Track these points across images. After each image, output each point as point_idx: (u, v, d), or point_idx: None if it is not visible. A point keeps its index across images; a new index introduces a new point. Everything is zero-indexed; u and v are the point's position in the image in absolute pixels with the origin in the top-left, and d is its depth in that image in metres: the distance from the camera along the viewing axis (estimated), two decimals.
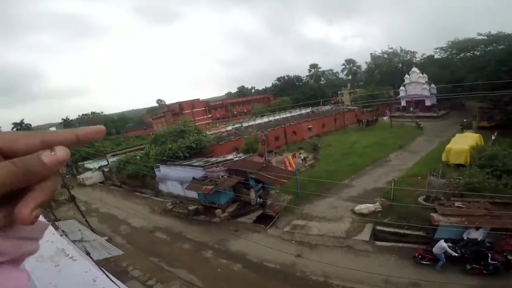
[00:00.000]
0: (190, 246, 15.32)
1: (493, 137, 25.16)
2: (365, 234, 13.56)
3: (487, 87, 27.74)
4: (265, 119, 40.68)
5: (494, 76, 27.72)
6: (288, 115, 44.01)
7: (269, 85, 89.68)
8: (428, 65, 53.76)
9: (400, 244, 12.61)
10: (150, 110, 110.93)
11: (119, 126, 79.86)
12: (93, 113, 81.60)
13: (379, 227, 13.79)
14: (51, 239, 1.59)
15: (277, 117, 42.29)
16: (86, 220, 17.56)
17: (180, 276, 12.52)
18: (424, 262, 11.07)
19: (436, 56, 56.43)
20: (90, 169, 34.80)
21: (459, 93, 35.70)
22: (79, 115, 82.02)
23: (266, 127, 34.33)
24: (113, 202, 25.08)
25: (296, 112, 45.98)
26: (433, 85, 45.05)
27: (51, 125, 72.10)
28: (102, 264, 11.86)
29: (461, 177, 16.06)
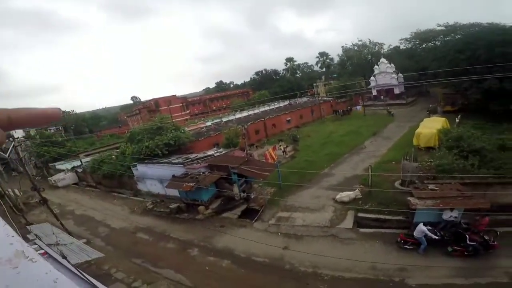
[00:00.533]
0: (174, 245, 14.97)
1: (457, 120, 26.94)
2: (348, 222, 13.95)
3: (448, 74, 29.53)
4: (244, 114, 40.64)
5: (454, 63, 29.52)
6: (267, 108, 44.31)
7: (247, 79, 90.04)
8: (395, 55, 56.44)
9: (383, 230, 13.06)
10: (125, 108, 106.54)
11: (92, 125, 75.89)
12: (63, 112, 76.60)
13: (361, 214, 14.20)
14: (9, 241, 1.50)
15: (256, 111, 42.42)
16: (61, 223, 16.87)
17: (167, 276, 12.22)
18: (407, 247, 11.44)
19: (401, 47, 59.73)
20: (63, 170, 33.03)
21: (424, 81, 37.80)
22: None
23: (246, 121, 34.28)
24: (89, 204, 23.94)
25: (275, 105, 46.41)
26: (400, 74, 47.29)
27: None
28: (82, 267, 11.33)
29: (432, 160, 16.87)
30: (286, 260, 12.07)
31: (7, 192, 19.13)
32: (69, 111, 76.35)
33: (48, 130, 55.31)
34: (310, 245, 12.78)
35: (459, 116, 28.97)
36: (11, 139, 20.57)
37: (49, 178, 32.61)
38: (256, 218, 15.86)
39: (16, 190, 22.27)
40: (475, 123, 25.61)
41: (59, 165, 34.93)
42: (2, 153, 20.99)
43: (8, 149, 20.94)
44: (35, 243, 9.58)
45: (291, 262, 11.88)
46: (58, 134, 51.86)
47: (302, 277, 10.96)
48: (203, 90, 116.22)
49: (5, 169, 29.39)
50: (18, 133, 42.08)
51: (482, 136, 17.47)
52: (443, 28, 47.30)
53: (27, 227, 14.61)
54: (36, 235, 11.22)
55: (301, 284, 10.62)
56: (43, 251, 8.27)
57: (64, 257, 7.71)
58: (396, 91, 48.04)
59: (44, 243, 9.68)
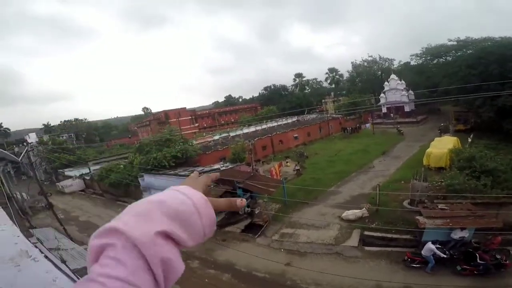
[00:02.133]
0: None
1: (469, 140, 26.28)
2: (354, 240, 13.56)
3: (460, 91, 28.86)
4: (252, 129, 40.83)
5: (466, 80, 29.12)
6: (275, 124, 44.43)
7: (256, 94, 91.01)
8: (405, 71, 56.00)
9: (389, 249, 12.64)
10: (136, 118, 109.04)
11: (103, 134, 77.80)
12: (76, 119, 79.09)
13: (367, 233, 13.82)
14: (14, 241, 1.59)
15: (264, 126, 42.51)
16: (64, 228, 16.97)
17: None
18: (414, 265, 11.11)
19: (412, 63, 59.02)
20: (71, 177, 33.79)
21: (435, 98, 37.15)
22: (61, 121, 79.69)
23: (253, 136, 34.37)
24: (94, 211, 24.12)
25: (283, 121, 46.58)
26: (411, 91, 46.91)
27: (30, 130, 69.29)
28: (81, 273, 11.18)
29: (442, 180, 16.52)
30: (288, 276, 11.73)
31: (15, 195, 19.51)
32: (81, 119, 78.58)
33: (61, 137, 56.86)
34: (314, 262, 12.44)
35: (471, 136, 28.30)
36: (24, 143, 21.21)
37: (57, 183, 33.39)
38: (259, 233, 15.59)
39: (24, 194, 22.69)
40: (488, 142, 24.99)
41: (68, 172, 35.73)
42: (15, 156, 21.55)
43: (21, 153, 21.52)
44: (36, 247, 9.62)
45: (293, 278, 11.55)
46: (70, 142, 53.14)
47: None
48: (212, 103, 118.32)
49: (15, 173, 30.05)
50: (32, 138, 43.43)
51: (495, 156, 17.09)
52: (454, 43, 46.50)
53: (30, 230, 14.72)
54: (38, 239, 11.25)
55: None
56: (43, 254, 8.29)
57: (63, 262, 7.69)
58: (407, 108, 47.49)
59: (45, 247, 9.72)
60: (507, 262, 10.05)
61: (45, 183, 33.66)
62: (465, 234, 10.94)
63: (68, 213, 24.19)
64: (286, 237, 14.83)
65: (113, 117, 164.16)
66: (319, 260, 12.57)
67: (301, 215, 16.84)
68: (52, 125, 76.77)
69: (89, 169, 33.06)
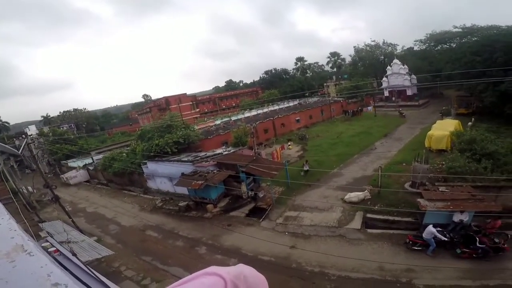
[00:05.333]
0: (183, 243, 15.13)
1: (470, 123, 26.41)
2: (357, 222, 13.84)
3: (463, 77, 29.14)
4: (253, 112, 40.67)
5: (470, 66, 29.10)
6: (277, 107, 44.24)
7: (257, 78, 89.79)
8: (408, 56, 55.66)
9: (391, 231, 12.92)
10: (136, 106, 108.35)
11: (103, 123, 77.68)
12: (75, 109, 78.45)
13: (369, 215, 14.12)
14: (11, 236, 1.62)
15: (265, 110, 42.37)
16: (72, 221, 17.15)
17: (175, 274, 12.33)
18: (416, 248, 11.36)
19: (415, 48, 58.92)
20: (74, 168, 33.74)
21: (438, 83, 37.09)
22: (60, 112, 79.12)
23: (255, 120, 34.33)
24: (100, 201, 24.40)
25: (284, 105, 46.29)
26: (413, 76, 46.61)
27: (30, 123, 68.95)
28: (93, 265, 11.57)
29: (443, 162, 16.73)
30: (293, 259, 12.06)
31: (21, 189, 19.61)
32: (81, 109, 78.08)
33: (61, 128, 56.74)
34: (318, 244, 12.75)
35: (472, 119, 28.35)
36: (23, 136, 21.04)
37: (61, 175, 33.27)
38: (263, 217, 15.90)
39: (29, 188, 22.75)
40: (489, 126, 25.15)
41: (71, 163, 35.68)
42: (14, 150, 21.44)
43: (21, 146, 21.35)
44: (47, 241, 9.79)
45: (298, 261, 11.87)
46: (70, 132, 53.09)
47: (309, 277, 10.92)
48: (213, 88, 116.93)
49: (19, 167, 30.15)
50: (32, 131, 43.32)
51: (496, 139, 17.19)
52: (459, 30, 46.34)
53: (40, 224, 14.96)
54: (48, 233, 11.47)
55: (308, 283, 10.59)
56: (54, 248, 8.41)
57: (74, 255, 7.87)
58: (409, 92, 47.37)
59: (56, 241, 9.91)
60: (506, 246, 10.24)
61: (49, 175, 33.66)
62: (464, 217, 11.14)
63: (75, 205, 24.46)
64: (290, 220, 15.13)
65: (112, 106, 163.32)
66: (323, 243, 12.86)
67: (304, 198, 17.11)
68: (51, 116, 76.34)
69: (92, 159, 32.98)
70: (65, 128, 59.98)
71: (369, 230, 13.28)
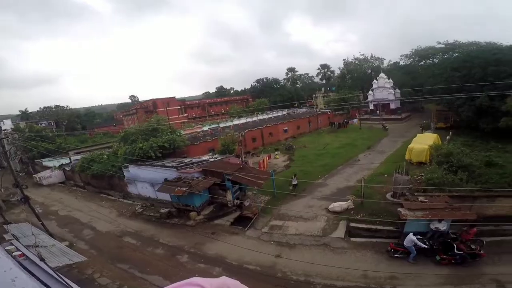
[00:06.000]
0: (163, 251, 14.60)
1: (448, 137, 27.57)
2: (340, 231, 13.96)
3: (443, 92, 30.19)
4: (242, 120, 40.69)
5: (450, 81, 30.44)
6: (266, 116, 44.53)
7: (248, 86, 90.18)
8: (394, 71, 57.73)
9: (374, 239, 13.17)
10: (122, 106, 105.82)
11: (85, 122, 74.66)
12: (56, 106, 75.05)
13: (352, 224, 14.35)
14: None
15: (254, 118, 42.52)
16: (42, 224, 16.30)
17: (155, 283, 11.82)
18: (397, 256, 11.65)
19: (401, 63, 61.15)
20: (49, 167, 31.96)
21: (420, 97, 38.55)
22: (40, 108, 75.76)
23: (244, 128, 34.33)
24: (75, 204, 23.30)
25: (273, 114, 46.68)
26: (397, 90, 48.17)
27: (7, 116, 65.52)
28: (63, 271, 10.88)
29: (422, 174, 17.56)
30: (279, 268, 11.95)
31: None
32: (63, 106, 75.06)
33: (39, 124, 54.00)
34: (303, 253, 12.72)
35: (450, 133, 29.63)
36: None
37: (34, 175, 31.39)
38: (249, 226, 15.70)
39: None
40: (465, 140, 26.33)
41: (47, 162, 33.65)
42: None
43: None
44: (12, 244, 9.12)
45: (283, 270, 11.77)
46: (49, 129, 50.69)
47: (294, 286, 10.85)
48: (203, 94, 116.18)
49: None
50: (7, 125, 41.09)
51: (471, 153, 18.19)
52: (442, 46, 48.31)
53: (5, 226, 14.01)
54: (13, 235, 10.74)
55: None
56: (20, 252, 7.85)
57: (42, 260, 7.34)
58: (392, 106, 48.88)
59: (22, 244, 9.24)
60: (482, 252, 10.74)
61: (20, 174, 32.00)
62: (442, 226, 11.61)
63: (47, 207, 23.18)
64: (275, 229, 15.03)
65: (97, 105, 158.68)
66: (308, 252, 12.85)
67: (289, 207, 17.12)
68: (30, 111, 72.99)
69: (70, 159, 31.53)
70: (43, 125, 57.36)
71: (352, 239, 13.47)
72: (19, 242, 9.91)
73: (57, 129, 56.38)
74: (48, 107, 75.13)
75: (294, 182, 19.52)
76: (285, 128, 39.50)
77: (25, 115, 70.37)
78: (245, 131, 32.82)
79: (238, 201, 18.01)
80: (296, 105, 55.32)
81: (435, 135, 25.48)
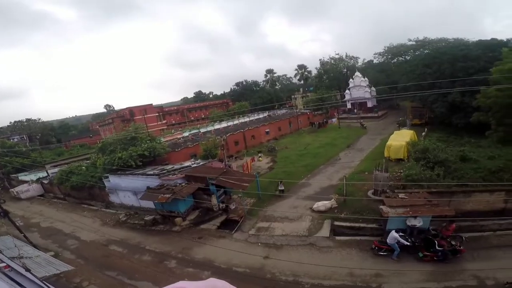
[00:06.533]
0: (150, 257, 14.43)
1: (423, 133, 28.68)
2: (325, 231, 14.25)
3: (416, 88, 31.04)
4: (224, 124, 40.57)
5: (422, 78, 31.44)
6: (247, 119, 44.57)
7: (227, 90, 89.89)
8: (368, 69, 59.19)
9: (358, 238, 13.50)
10: (97, 117, 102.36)
11: (60, 134, 71.83)
12: (28, 120, 71.89)
13: (337, 223, 14.62)
14: None
15: (236, 122, 42.48)
16: (24, 236, 16.15)
17: None
18: (382, 253, 11.89)
19: (375, 61, 62.77)
20: (26, 182, 31.25)
21: (394, 94, 39.78)
22: (10, 122, 72.36)
23: (225, 132, 34.25)
24: (56, 216, 22.75)
25: (254, 117, 46.80)
26: (373, 88, 49.52)
27: None
28: (50, 281, 10.56)
29: (401, 170, 18.04)
30: (267, 269, 12.07)
31: None
32: (34, 119, 71.92)
33: (11, 139, 51.69)
34: (290, 254, 12.90)
35: (425, 129, 30.88)
36: None
37: (10, 189, 30.73)
38: (236, 229, 15.75)
39: None
40: (439, 135, 27.44)
41: (23, 176, 32.99)
42: None
43: None
44: None
45: (272, 271, 11.90)
46: (22, 144, 48.46)
47: (284, 286, 10.98)
48: (181, 99, 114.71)
49: None
50: None
51: (446, 148, 18.82)
52: (413, 43, 49.92)
53: None
54: None
55: None
56: (4, 264, 7.64)
57: (28, 270, 7.18)
58: (369, 104, 50.25)
59: (5, 256, 8.93)
60: (462, 248, 11.08)
61: None
62: (418, 222, 11.90)
63: (27, 220, 22.58)
64: (262, 231, 15.17)
65: (71, 116, 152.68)
66: (295, 252, 13.05)
67: (275, 208, 17.33)
68: (0, 127, 69.54)
69: (47, 172, 30.66)
70: (15, 140, 54.69)
71: (337, 238, 13.73)
72: (2, 254, 9.56)
73: (31, 144, 53.85)
74: (19, 121, 72.05)
75: (281, 187, 19.24)
76: (266, 130, 39.83)
77: None
78: (227, 135, 32.80)
79: (224, 205, 18.02)
80: (276, 106, 55.83)
81: (411, 131, 26.45)
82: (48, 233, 19.49)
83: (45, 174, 31.02)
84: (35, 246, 15.27)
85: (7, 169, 33.89)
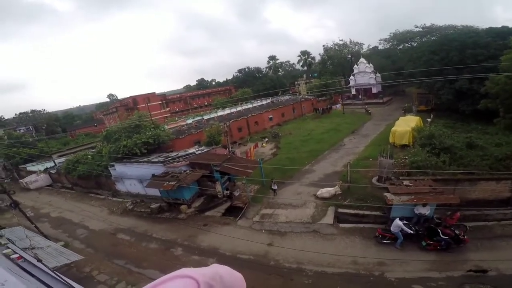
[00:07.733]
0: (157, 245, 14.73)
1: (429, 120, 28.30)
2: (329, 218, 14.30)
3: (422, 75, 30.80)
4: (227, 111, 40.39)
5: (429, 64, 30.93)
6: (250, 106, 44.27)
7: (230, 77, 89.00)
8: (373, 55, 58.08)
9: (362, 225, 13.53)
10: (101, 106, 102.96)
11: (65, 124, 72.48)
12: (33, 111, 72.60)
13: (340, 210, 14.68)
14: None
15: (239, 108, 42.26)
16: (35, 226, 16.40)
17: (151, 276, 11.94)
18: (385, 241, 11.88)
19: (380, 47, 61.77)
20: (34, 172, 31.63)
21: (400, 81, 39.37)
22: (16, 114, 73.37)
23: (229, 119, 34.16)
24: (65, 206, 23.09)
25: (258, 103, 46.47)
26: (378, 74, 48.78)
27: None
28: (62, 271, 10.94)
29: (406, 157, 17.85)
30: (271, 256, 12.22)
31: None
32: (39, 110, 72.62)
33: (18, 131, 52.41)
34: (294, 241, 13.03)
35: (431, 115, 30.51)
36: None
37: (20, 180, 31.18)
38: (240, 216, 15.92)
39: None
40: (446, 122, 27.15)
41: (31, 167, 33.34)
42: None
43: None
44: (8, 247, 9.09)
45: (276, 258, 12.05)
46: (29, 134, 49.07)
47: (287, 273, 11.13)
48: (184, 87, 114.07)
49: None
50: None
51: (452, 134, 18.64)
52: (420, 29, 48.95)
53: None
54: (8, 239, 10.69)
55: (286, 280, 10.81)
56: (17, 255, 7.90)
57: (40, 261, 7.42)
58: (374, 90, 49.61)
59: (18, 247, 9.24)
60: (465, 237, 10.93)
61: (6, 180, 31.23)
62: (426, 210, 11.80)
63: (37, 210, 22.92)
64: (266, 218, 15.30)
65: (75, 106, 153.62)
66: (299, 239, 13.17)
67: (279, 195, 17.39)
68: (6, 118, 70.37)
69: (54, 162, 31.09)
70: (22, 131, 55.39)
71: (341, 225, 13.78)
72: (15, 245, 9.89)
73: (37, 134, 54.53)
74: (24, 112, 72.92)
75: (274, 187, 17.64)
76: (270, 116, 39.67)
77: (1, 123, 67.94)
78: (230, 121, 32.71)
79: (228, 192, 18.17)
80: (279, 93, 55.34)
81: (417, 117, 26.09)
82: (58, 223, 19.88)
83: (52, 164, 31.46)
84: (46, 236, 15.62)
85: (15, 160, 34.30)
